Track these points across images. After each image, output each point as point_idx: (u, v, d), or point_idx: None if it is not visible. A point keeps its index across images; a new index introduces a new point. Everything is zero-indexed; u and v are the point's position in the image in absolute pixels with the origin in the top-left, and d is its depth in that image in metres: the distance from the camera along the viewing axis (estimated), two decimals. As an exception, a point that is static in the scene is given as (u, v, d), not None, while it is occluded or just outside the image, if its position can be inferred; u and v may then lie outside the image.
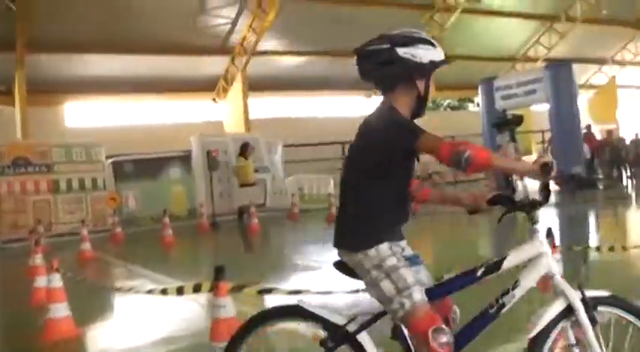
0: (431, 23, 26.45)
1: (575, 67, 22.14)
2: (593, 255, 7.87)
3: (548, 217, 14.07)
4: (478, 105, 25.84)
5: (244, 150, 16.57)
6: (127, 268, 10.94)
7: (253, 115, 25.29)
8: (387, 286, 2.91)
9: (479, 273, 2.98)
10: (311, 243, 12.77)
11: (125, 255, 12.80)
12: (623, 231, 11.86)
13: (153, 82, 24.28)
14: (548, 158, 2.75)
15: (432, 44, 3.06)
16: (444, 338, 2.80)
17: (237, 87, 25.06)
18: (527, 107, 23.39)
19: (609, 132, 26.40)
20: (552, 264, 3.00)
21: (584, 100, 30.52)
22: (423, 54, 2.99)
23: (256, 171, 17.14)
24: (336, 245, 3.10)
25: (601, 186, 21.15)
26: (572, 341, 2.94)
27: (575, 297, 2.90)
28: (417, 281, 2.93)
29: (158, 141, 21.10)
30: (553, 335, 2.93)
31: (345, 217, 3.08)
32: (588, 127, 23.93)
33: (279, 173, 19.09)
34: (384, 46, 2.99)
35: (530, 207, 3.05)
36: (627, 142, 24.09)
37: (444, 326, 2.84)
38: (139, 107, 26.70)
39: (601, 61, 34.92)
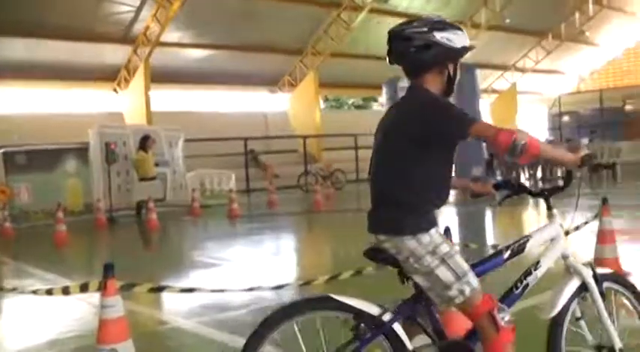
0: (337, 21, 26.56)
1: (479, 71, 22.64)
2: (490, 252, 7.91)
3: (447, 215, 14.30)
4: (382, 104, 26.06)
5: (144, 143, 16.13)
6: (16, 266, 10.34)
7: (155, 108, 24.63)
8: (444, 273, 2.91)
9: (506, 256, 3.14)
10: (211, 240, 12.49)
11: (14, 252, 12.10)
12: (519, 229, 12.10)
13: (50, 69, 23.30)
14: (588, 150, 2.95)
15: (461, 30, 3.11)
16: (507, 316, 2.92)
17: (139, 78, 24.36)
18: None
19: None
20: (567, 245, 3.23)
21: (486, 104, 31.35)
22: (457, 39, 3.05)
23: (156, 164, 16.73)
24: (376, 230, 3.03)
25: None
26: (578, 314, 3.22)
27: (589, 275, 3.19)
28: (470, 267, 2.97)
29: (54, 132, 20.26)
30: (571, 311, 3.18)
31: (390, 201, 3.01)
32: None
33: (180, 167, 18.63)
34: (423, 30, 3.01)
35: (549, 193, 3.31)
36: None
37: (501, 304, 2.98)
38: (33, 95, 25.52)
39: (503, 67, 35.92)
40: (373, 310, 2.95)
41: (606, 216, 6.64)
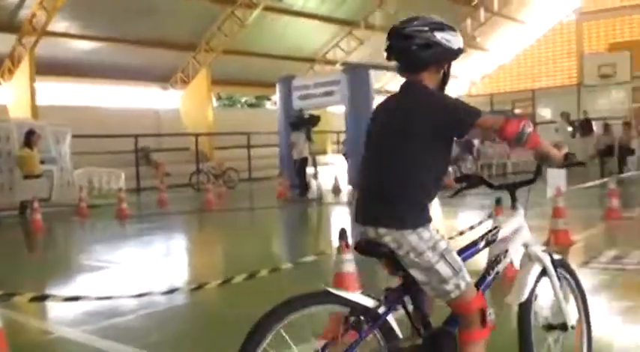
0: (231, 18, 26.29)
1: (373, 72, 22.87)
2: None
3: (342, 215, 14.36)
4: (276, 103, 26.01)
5: (29, 138, 15.46)
6: None
7: (41, 101, 23.59)
8: (443, 268, 2.98)
9: (481, 245, 3.27)
10: (99, 242, 12.03)
11: None
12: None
13: None
14: (568, 150, 3.24)
15: (457, 31, 3.21)
16: (492, 315, 3.10)
17: (24, 69, 23.19)
18: (324, 108, 23.82)
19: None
20: (529, 235, 3.42)
21: (377, 105, 31.78)
22: (454, 40, 3.16)
23: (42, 162, 16.05)
24: (375, 223, 3.02)
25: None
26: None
27: (548, 261, 3.44)
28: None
29: None
30: (534, 295, 3.36)
31: (392, 194, 3.02)
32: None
33: (67, 165, 17.89)
34: (424, 29, 3.11)
35: (515, 186, 3.49)
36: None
37: None
38: None
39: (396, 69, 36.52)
40: (368, 303, 2.96)
41: (500, 216, 6.83)
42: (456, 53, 3.18)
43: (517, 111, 37.93)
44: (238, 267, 6.09)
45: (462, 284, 3.00)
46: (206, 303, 6.42)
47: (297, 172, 18.90)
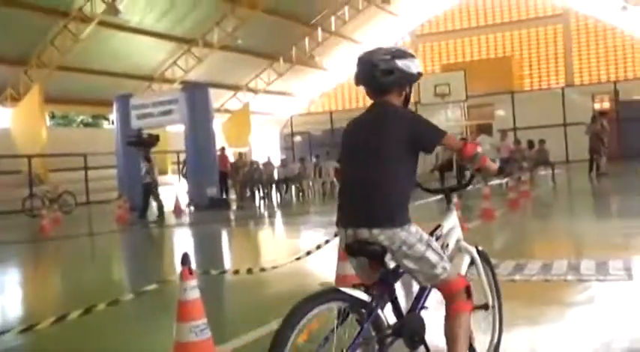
0: (64, 32, 25.01)
1: (212, 91, 22.56)
2: (230, 278, 7.74)
3: (183, 238, 13.93)
4: (114, 122, 25.06)
5: None
6: None
7: None
8: (432, 255, 3.48)
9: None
10: None
11: None
12: (257, 251, 12.05)
13: None
14: (497, 164, 3.83)
15: (416, 58, 3.68)
16: (473, 293, 3.62)
17: None
18: (162, 127, 23.21)
19: (241, 155, 27.48)
20: (460, 231, 4.00)
21: (219, 124, 31.44)
22: (413, 66, 3.62)
23: None
24: (370, 225, 3.43)
25: (235, 206, 21.69)
26: None
27: (475, 253, 4.00)
28: None
29: None
30: None
31: (382, 197, 3.44)
32: (222, 149, 24.60)
33: None
34: (387, 57, 3.55)
35: (450, 190, 4.08)
36: (260, 164, 25.24)
37: None
38: None
39: (236, 88, 36.33)
40: (366, 298, 3.37)
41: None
42: (415, 77, 3.65)
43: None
44: (75, 301, 5.59)
45: (447, 266, 3.55)
46: (36, 347, 5.85)
47: (143, 194, 18.12)
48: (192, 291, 4.45)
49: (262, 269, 6.33)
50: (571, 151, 27.39)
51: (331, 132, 38.32)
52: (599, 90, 34.77)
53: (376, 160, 3.48)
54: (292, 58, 35.75)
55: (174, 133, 26.98)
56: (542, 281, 6.84)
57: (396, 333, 3.52)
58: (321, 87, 41.57)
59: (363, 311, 3.36)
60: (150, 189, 18.03)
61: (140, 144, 18.57)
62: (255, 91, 37.13)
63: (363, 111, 3.76)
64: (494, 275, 4.20)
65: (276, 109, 40.30)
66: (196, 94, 20.99)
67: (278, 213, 19.65)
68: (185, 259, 4.47)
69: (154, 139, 18.87)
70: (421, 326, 3.64)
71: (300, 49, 35.57)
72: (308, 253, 6.52)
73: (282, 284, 7.71)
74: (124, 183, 21.36)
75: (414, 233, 3.46)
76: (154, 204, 18.24)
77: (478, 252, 4.04)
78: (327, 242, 6.65)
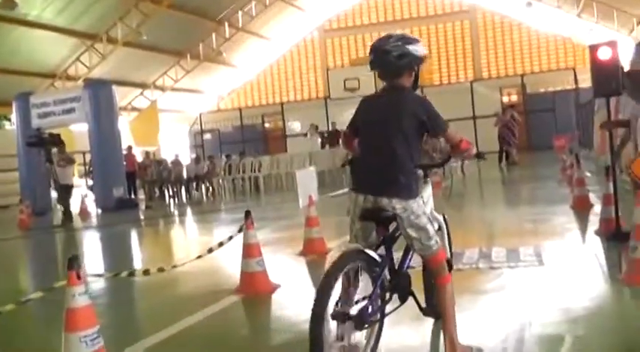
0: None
1: (118, 88, 21.84)
2: (140, 278, 7.46)
3: (88, 241, 13.40)
4: (14, 123, 23.98)
5: None
6: None
7: None
8: (431, 228, 4.05)
9: None
10: None
11: None
12: (168, 250, 11.69)
13: None
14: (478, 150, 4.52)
15: (421, 42, 4.16)
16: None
17: None
18: (65, 126, 22.30)
19: (148, 154, 26.82)
20: (432, 201, 4.55)
21: (126, 122, 30.59)
22: (420, 49, 4.11)
23: None
24: (391, 195, 3.94)
25: (144, 206, 21.09)
26: None
27: (442, 221, 4.66)
28: None
29: None
30: None
31: (403, 171, 3.95)
32: (129, 148, 23.94)
33: None
34: (399, 43, 4.04)
35: (426, 168, 4.50)
36: (169, 163, 24.72)
37: None
38: None
39: (143, 85, 35.42)
40: (377, 258, 3.99)
41: (250, 229, 6.63)
42: (423, 59, 4.14)
43: (267, 125, 38.69)
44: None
45: (439, 240, 4.13)
46: None
47: (61, 197, 17.27)
48: (82, 298, 4.10)
49: (160, 270, 6.02)
50: (480, 143, 27.79)
51: (241, 129, 37.95)
52: (506, 83, 35.50)
53: (397, 134, 3.97)
54: (200, 55, 35.07)
55: (79, 133, 26.02)
56: (454, 270, 6.75)
57: (393, 289, 4.17)
58: (231, 84, 41.01)
59: (377, 269, 3.94)
60: (68, 191, 17.32)
61: (40, 145, 17.74)
62: (162, 89, 36.24)
63: (376, 92, 4.37)
64: (450, 239, 4.69)
65: (185, 107, 39.52)
66: (100, 92, 20.26)
67: (188, 212, 19.19)
68: (72, 262, 4.10)
69: (56, 139, 18.07)
70: (409, 282, 4.33)
71: (208, 46, 34.88)
72: (210, 251, 6.24)
73: (187, 283, 7.57)
74: (25, 187, 20.46)
75: (421, 205, 4.05)
76: (58, 207, 17.51)
77: (444, 219, 4.64)
78: (230, 238, 6.37)
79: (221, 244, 6.33)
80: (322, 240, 8.75)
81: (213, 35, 34.63)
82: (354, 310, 3.78)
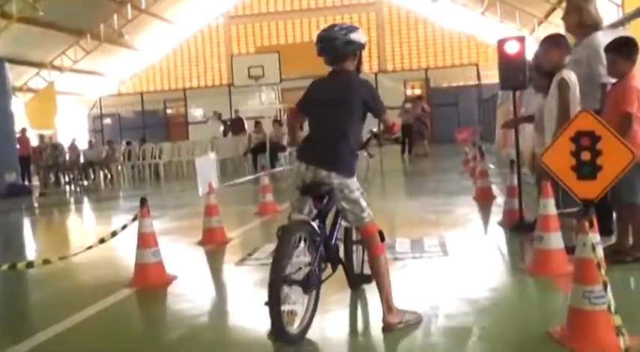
0: None
1: (11, 67, 20.77)
2: (28, 271, 6.96)
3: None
4: None
5: None
6: None
7: None
8: (363, 202, 4.50)
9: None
10: None
11: None
12: (61, 240, 11.10)
13: None
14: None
15: (360, 29, 4.62)
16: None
17: None
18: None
19: (43, 137, 25.78)
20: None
21: (21, 104, 29.27)
22: (361, 37, 4.57)
23: None
24: (330, 169, 4.38)
25: (38, 193, 20.17)
26: None
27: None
28: None
29: None
30: None
31: (343, 150, 4.43)
32: (23, 131, 22.91)
33: None
34: (343, 32, 4.48)
35: (367, 142, 5.06)
36: (65, 148, 23.83)
37: None
38: None
39: (40, 65, 33.93)
40: (318, 228, 4.43)
41: (146, 218, 6.30)
42: (364, 45, 4.61)
43: (169, 111, 37.99)
44: None
45: (371, 213, 4.53)
46: None
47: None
48: None
49: (46, 261, 5.61)
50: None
51: (142, 114, 36.98)
52: (411, 76, 36.03)
53: (346, 113, 4.44)
54: (100, 36, 33.91)
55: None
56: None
57: (327, 258, 4.59)
58: (132, 67, 39.94)
59: (318, 239, 4.36)
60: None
61: None
62: (60, 69, 34.84)
63: (321, 76, 4.68)
64: None
65: (85, 89, 38.18)
66: (-10, 70, 19.21)
67: (84, 200, 18.44)
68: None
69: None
70: (338, 252, 4.86)
71: (109, 26, 33.79)
72: (102, 241, 5.84)
73: (79, 276, 7.25)
74: None
75: (355, 181, 4.51)
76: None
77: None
78: (124, 227, 5.99)
79: (114, 234, 5.92)
80: (222, 230, 8.47)
81: (115, 16, 33.57)
82: (298, 275, 4.24)
